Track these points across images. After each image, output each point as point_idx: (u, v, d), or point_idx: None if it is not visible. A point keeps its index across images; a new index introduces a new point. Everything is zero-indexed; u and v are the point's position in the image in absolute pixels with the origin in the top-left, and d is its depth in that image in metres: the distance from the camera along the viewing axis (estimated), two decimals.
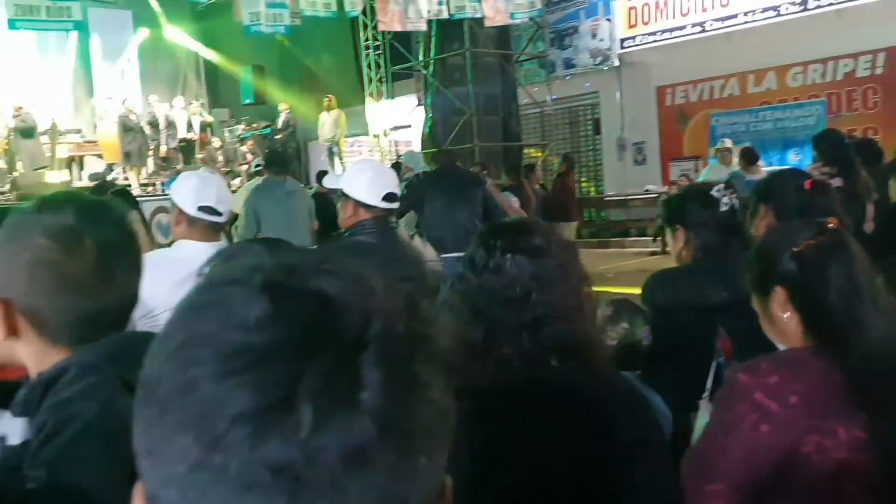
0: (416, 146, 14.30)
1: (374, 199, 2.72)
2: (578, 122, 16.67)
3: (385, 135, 15.81)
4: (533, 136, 16.21)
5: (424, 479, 0.46)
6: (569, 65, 16.00)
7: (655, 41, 14.78)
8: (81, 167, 13.64)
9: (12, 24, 10.36)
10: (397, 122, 15.86)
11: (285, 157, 7.56)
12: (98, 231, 1.10)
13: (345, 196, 2.79)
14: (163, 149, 13.86)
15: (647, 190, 14.08)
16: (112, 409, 0.96)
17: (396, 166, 10.57)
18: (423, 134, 14.09)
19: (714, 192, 2.18)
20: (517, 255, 1.29)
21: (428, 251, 3.26)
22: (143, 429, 0.46)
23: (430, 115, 13.85)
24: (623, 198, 14.59)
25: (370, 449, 0.43)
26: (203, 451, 0.42)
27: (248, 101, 15.67)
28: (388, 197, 2.73)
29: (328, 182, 3.84)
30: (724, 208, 2.16)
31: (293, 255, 0.53)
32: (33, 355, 1.08)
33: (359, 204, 2.74)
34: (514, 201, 7.10)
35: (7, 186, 12.04)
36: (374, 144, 15.65)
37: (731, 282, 1.86)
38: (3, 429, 1.03)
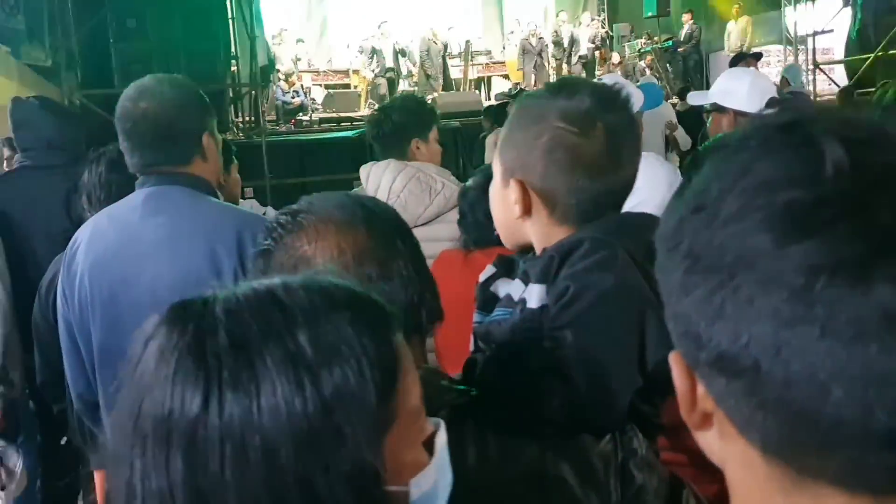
0: (839, 53, 12.60)
1: (756, 105, 2.39)
2: None
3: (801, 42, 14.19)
4: None
5: None
6: None
7: None
8: (489, 87, 14.57)
9: None
10: (816, 27, 14.10)
11: None
12: (610, 115, 1.15)
13: (719, 109, 2.50)
14: (564, 67, 14.17)
15: None
16: (625, 282, 1.04)
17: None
18: (848, 38, 12.37)
19: None
20: None
21: None
22: (702, 297, 0.45)
23: (859, 16, 12.06)
24: None
25: None
26: (800, 306, 0.41)
27: (650, 14, 15.17)
28: (772, 101, 2.38)
29: (693, 99, 3.49)
30: None
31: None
32: (540, 233, 1.18)
33: (740, 114, 2.44)
34: None
35: None
36: (789, 54, 14.15)
37: None
38: (524, 294, 1.13)
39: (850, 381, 0.40)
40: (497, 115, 7.35)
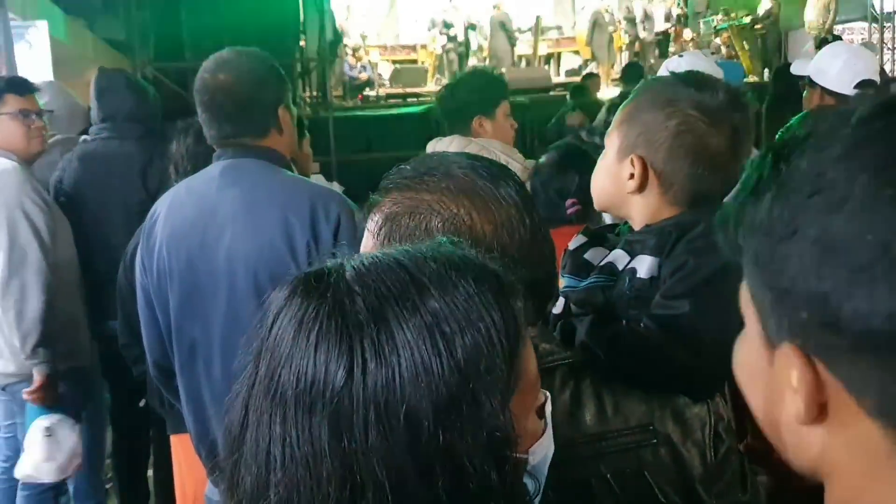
0: None
1: (846, 86, 2.28)
2: None
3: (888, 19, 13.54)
4: None
5: None
6: None
7: None
8: (559, 63, 14.37)
9: None
10: None
11: None
12: (738, 114, 1.22)
13: (811, 83, 2.40)
14: (637, 44, 13.87)
15: None
16: (737, 264, 1.09)
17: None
18: None
19: None
20: None
21: None
22: (847, 278, 0.45)
23: None
24: None
25: None
26: None
27: None
28: (863, 84, 2.27)
29: (796, 68, 3.37)
30: None
31: None
32: (648, 210, 1.24)
33: (827, 92, 2.34)
34: None
35: None
36: (874, 31, 13.54)
37: None
38: (632, 264, 1.20)
39: None
40: (577, 93, 7.22)
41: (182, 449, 2.19)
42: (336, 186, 7.84)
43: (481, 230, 0.91)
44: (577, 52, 14.29)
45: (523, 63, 13.92)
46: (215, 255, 1.80)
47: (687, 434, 1.10)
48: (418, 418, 0.64)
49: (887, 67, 10.88)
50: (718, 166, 1.20)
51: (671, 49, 13.72)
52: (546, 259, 0.99)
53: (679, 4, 14.34)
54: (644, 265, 1.18)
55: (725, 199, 1.23)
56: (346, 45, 13.33)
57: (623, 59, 13.80)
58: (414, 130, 8.70)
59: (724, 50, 13.22)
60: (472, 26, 13.59)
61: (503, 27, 13.22)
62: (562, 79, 12.94)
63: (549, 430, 0.77)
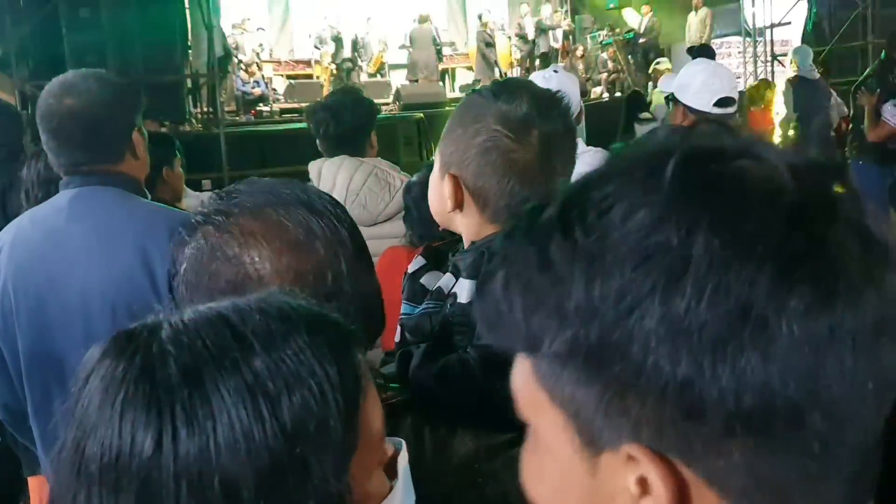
0: (796, 44, 12.75)
1: (705, 103, 2.38)
2: None
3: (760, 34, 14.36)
4: None
5: None
6: None
7: None
8: (454, 79, 14.52)
9: None
10: (774, 19, 14.28)
11: None
12: (546, 123, 1.15)
13: (675, 100, 2.49)
14: (527, 60, 14.16)
15: None
16: None
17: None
18: (804, 31, 12.56)
19: None
20: None
21: None
22: (709, 353, 0.40)
23: (814, 10, 12.24)
24: None
25: None
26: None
27: (612, 6, 15.22)
28: (722, 102, 2.37)
29: (663, 85, 3.50)
30: None
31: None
32: (470, 229, 1.19)
33: (689, 109, 2.43)
34: None
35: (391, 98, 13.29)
36: (747, 45, 14.30)
37: None
38: (454, 288, 1.15)
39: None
40: None
41: (39, 491, 2.06)
42: None
43: (292, 273, 0.86)
44: (470, 69, 14.47)
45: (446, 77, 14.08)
46: (67, 291, 1.70)
47: (516, 473, 1.02)
48: (237, 489, 0.59)
49: (761, 76, 11.52)
50: (530, 180, 1.14)
51: (561, 63, 14.08)
52: (370, 293, 0.95)
53: (564, 21, 14.74)
54: (464, 289, 1.12)
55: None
56: (240, 61, 13.08)
57: (514, 74, 14.08)
58: (309, 145, 8.56)
59: (610, 64, 13.67)
60: (357, 43, 13.51)
61: (434, 41, 13.30)
62: (456, 94, 13.07)
63: (401, 486, 0.71)
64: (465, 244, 1.21)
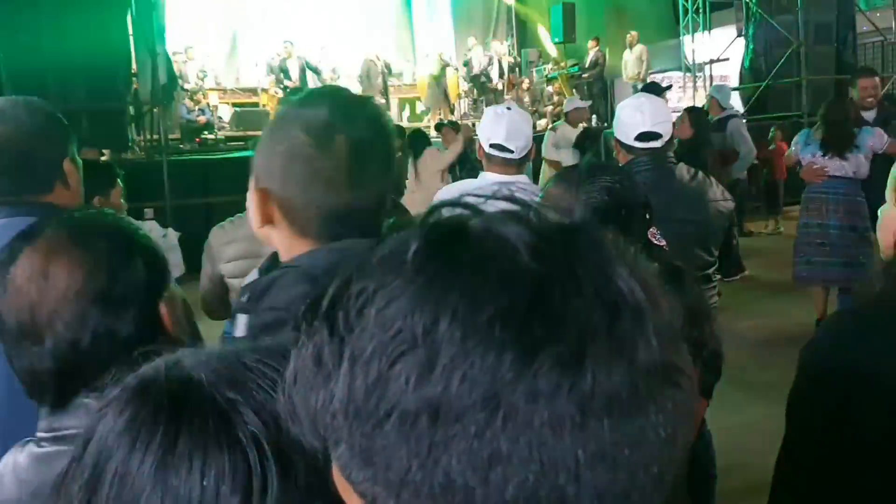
0: (734, 81, 13.18)
1: (629, 137, 2.45)
2: None
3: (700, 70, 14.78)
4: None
5: None
6: None
7: None
8: (413, 109, 14.64)
9: None
10: (713, 55, 14.75)
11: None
12: (352, 129, 1.08)
13: (614, 135, 2.57)
14: (475, 91, 14.35)
15: None
16: None
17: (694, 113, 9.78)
18: (741, 67, 12.99)
19: None
20: None
21: (717, 190, 2.82)
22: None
23: (750, 47, 12.69)
24: None
25: None
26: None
27: (557, 40, 15.53)
28: (643, 136, 2.44)
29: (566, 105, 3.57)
30: None
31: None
32: (283, 245, 1.12)
33: (619, 143, 2.51)
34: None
35: None
36: (688, 80, 14.73)
37: None
38: (236, 319, 1.09)
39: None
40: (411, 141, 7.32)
41: None
42: (171, 232, 7.46)
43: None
44: (419, 99, 14.59)
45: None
46: None
47: None
48: None
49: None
50: (337, 189, 1.07)
51: (507, 97, 14.29)
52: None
53: (512, 54, 14.98)
54: (241, 324, 1.07)
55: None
56: (185, 89, 12.95)
57: (462, 106, 14.25)
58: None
59: (555, 98, 13.91)
60: (312, 69, 13.47)
61: (373, 73, 13.34)
62: (405, 123, 13.16)
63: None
64: (284, 260, 1.14)
